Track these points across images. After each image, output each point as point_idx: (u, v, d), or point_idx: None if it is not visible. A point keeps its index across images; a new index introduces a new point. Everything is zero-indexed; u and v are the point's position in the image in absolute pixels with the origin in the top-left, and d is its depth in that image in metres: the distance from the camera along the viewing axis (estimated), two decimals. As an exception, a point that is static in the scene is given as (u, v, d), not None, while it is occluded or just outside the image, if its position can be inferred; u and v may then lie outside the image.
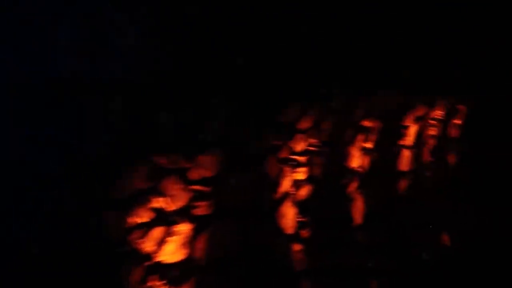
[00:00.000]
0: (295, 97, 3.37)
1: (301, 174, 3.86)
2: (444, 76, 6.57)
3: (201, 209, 2.85)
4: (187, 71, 2.68)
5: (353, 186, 4.91)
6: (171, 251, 2.63)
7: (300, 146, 3.76)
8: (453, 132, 7.79)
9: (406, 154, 6.30)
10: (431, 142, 7.12)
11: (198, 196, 2.81)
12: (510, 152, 8.40)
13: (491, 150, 8.51)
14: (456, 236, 7.12)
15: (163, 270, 2.60)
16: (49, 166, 2.15)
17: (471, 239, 7.24)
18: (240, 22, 3.06)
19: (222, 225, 3.09)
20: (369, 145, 5.08)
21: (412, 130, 6.33)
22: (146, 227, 2.47)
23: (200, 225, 2.87)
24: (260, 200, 3.50)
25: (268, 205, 3.56)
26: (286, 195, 3.76)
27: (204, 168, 2.80)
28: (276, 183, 3.57)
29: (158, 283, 2.55)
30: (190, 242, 2.79)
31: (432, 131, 7.04)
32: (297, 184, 3.87)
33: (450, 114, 7.46)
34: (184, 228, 2.71)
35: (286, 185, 3.70)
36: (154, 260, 2.54)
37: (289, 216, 3.83)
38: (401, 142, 6.11)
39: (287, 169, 3.67)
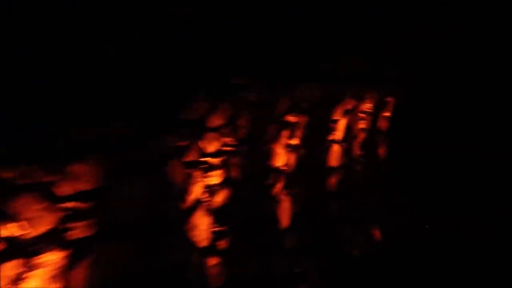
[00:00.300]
0: (202, 88, 2.82)
1: (215, 177, 3.32)
2: (373, 68, 6.28)
3: (78, 230, 2.24)
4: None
5: (278, 187, 4.45)
6: (34, 290, 2.01)
7: (212, 146, 3.22)
8: (383, 125, 7.57)
9: (336, 149, 5.95)
10: (361, 135, 6.84)
11: (72, 215, 2.20)
12: (439, 143, 8.36)
13: (420, 142, 8.43)
14: (388, 231, 6.91)
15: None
16: None
17: (403, 233, 7.07)
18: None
19: (112, 247, 2.50)
20: (295, 141, 4.64)
21: (341, 124, 5.98)
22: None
23: (78, 250, 2.27)
24: (164, 212, 2.93)
25: (175, 216, 3.00)
26: (197, 203, 3.22)
27: (79, 180, 2.20)
28: (184, 191, 3.02)
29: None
30: (64, 273, 2.18)
31: (362, 125, 6.76)
32: (211, 189, 3.33)
33: (379, 106, 7.22)
34: (52, 258, 2.09)
35: (196, 191, 3.16)
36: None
37: (202, 226, 3.29)
38: (330, 137, 5.74)
39: (197, 173, 3.12)
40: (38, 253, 2.00)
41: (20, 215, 1.92)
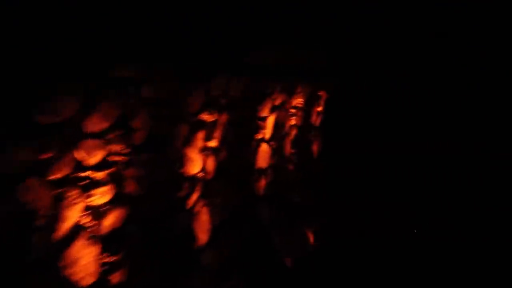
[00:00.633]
0: (65, 80, 2.06)
1: (100, 196, 2.57)
2: (304, 60, 5.71)
3: None
4: None
5: (194, 197, 3.75)
6: None
7: (94, 157, 2.47)
8: (315, 121, 7.06)
9: (265, 148, 5.34)
10: (293, 132, 6.28)
11: None
12: (374, 139, 8.01)
13: (354, 138, 8.05)
14: (324, 233, 6.47)
15: None
16: None
17: (337, 234, 6.70)
18: None
19: None
20: (213, 143, 3.95)
21: (270, 121, 5.37)
22: None
23: None
24: (26, 249, 2.16)
25: (43, 252, 2.24)
26: (76, 231, 2.46)
27: None
28: (54, 217, 2.26)
29: None
30: None
31: (293, 121, 6.19)
32: (96, 211, 2.58)
33: (311, 101, 6.70)
34: None
35: (73, 216, 2.40)
36: None
37: (86, 259, 2.54)
38: (258, 136, 5.11)
39: (72, 193, 2.36)
40: None
41: None
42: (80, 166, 2.40)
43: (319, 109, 7.13)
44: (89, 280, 2.56)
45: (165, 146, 3.14)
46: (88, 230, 2.53)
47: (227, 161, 4.35)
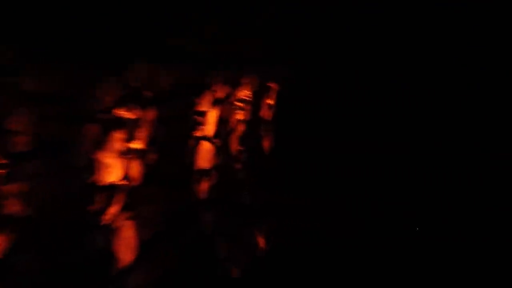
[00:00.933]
0: None
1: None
2: (249, 47, 5.15)
3: None
4: None
5: (112, 211, 3.12)
6: None
7: None
8: (266, 115, 6.52)
9: (206, 147, 4.74)
10: (240, 128, 5.71)
11: None
12: (329, 134, 7.56)
13: (308, 133, 7.58)
14: (274, 235, 5.95)
15: None
16: None
17: (291, 235, 6.20)
18: None
19: None
20: (137, 144, 3.33)
21: (212, 116, 4.78)
22: None
23: None
24: None
25: None
26: None
27: None
28: None
29: None
30: None
31: (240, 115, 5.62)
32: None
33: (260, 93, 6.14)
34: None
35: None
36: None
37: None
38: (197, 133, 4.51)
39: None
40: None
41: None
42: None
43: (270, 102, 6.59)
44: None
45: (64, 152, 2.49)
46: None
47: (159, 164, 3.74)
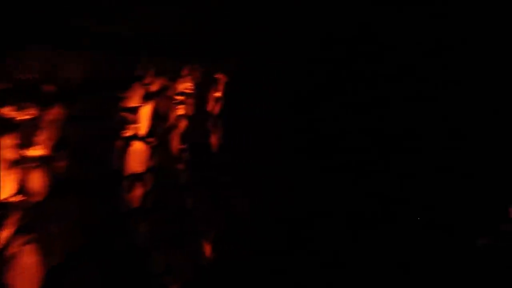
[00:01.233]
0: None
1: None
2: (187, 30, 4.54)
3: None
4: None
5: (3, 235, 2.49)
6: None
7: None
8: (213, 108, 5.93)
9: (139, 147, 4.13)
10: (182, 124, 5.11)
11: None
12: (285, 129, 7.09)
13: (261, 125, 7.07)
14: (221, 241, 5.47)
15: None
16: None
17: (240, 240, 5.75)
18: None
19: None
20: (37, 151, 2.70)
21: (145, 112, 4.16)
22: None
23: None
24: None
25: None
26: None
27: None
28: None
29: None
30: None
31: (181, 110, 5.01)
32: None
33: (205, 85, 5.55)
34: None
35: None
36: None
37: None
38: (126, 133, 3.89)
39: None
40: None
41: None
42: None
43: (218, 94, 6.01)
44: None
45: None
46: None
47: (74, 172, 3.11)
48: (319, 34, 6.62)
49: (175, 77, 4.65)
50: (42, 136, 2.68)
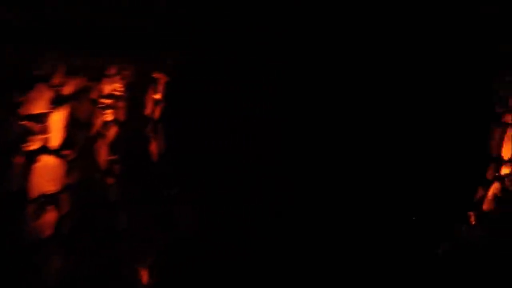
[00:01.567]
0: None
1: None
2: (116, 18, 3.84)
3: None
4: None
5: None
6: None
7: None
8: (151, 112, 5.23)
9: (49, 162, 3.39)
10: (112, 131, 4.39)
11: None
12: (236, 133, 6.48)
13: (210, 129, 6.44)
14: (160, 265, 4.81)
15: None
16: None
17: (183, 263, 5.07)
18: None
19: None
20: None
21: (56, 120, 3.43)
22: None
23: None
24: None
25: None
26: None
27: None
28: None
29: None
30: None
31: (109, 115, 4.29)
32: None
33: (140, 86, 4.85)
34: None
35: None
36: None
37: None
38: (28, 146, 3.15)
39: None
40: None
41: None
42: None
43: (157, 96, 5.31)
44: None
45: None
46: None
47: None
48: (281, 22, 6.04)
49: (98, 76, 3.93)
50: None
